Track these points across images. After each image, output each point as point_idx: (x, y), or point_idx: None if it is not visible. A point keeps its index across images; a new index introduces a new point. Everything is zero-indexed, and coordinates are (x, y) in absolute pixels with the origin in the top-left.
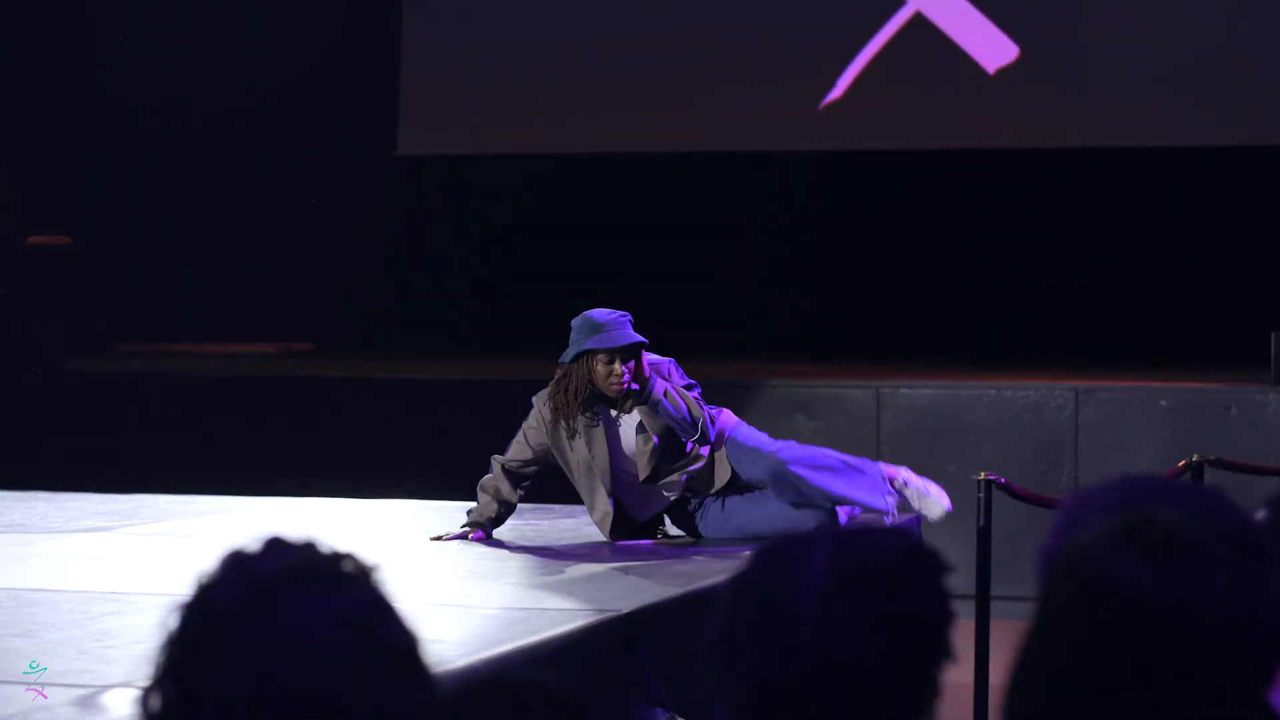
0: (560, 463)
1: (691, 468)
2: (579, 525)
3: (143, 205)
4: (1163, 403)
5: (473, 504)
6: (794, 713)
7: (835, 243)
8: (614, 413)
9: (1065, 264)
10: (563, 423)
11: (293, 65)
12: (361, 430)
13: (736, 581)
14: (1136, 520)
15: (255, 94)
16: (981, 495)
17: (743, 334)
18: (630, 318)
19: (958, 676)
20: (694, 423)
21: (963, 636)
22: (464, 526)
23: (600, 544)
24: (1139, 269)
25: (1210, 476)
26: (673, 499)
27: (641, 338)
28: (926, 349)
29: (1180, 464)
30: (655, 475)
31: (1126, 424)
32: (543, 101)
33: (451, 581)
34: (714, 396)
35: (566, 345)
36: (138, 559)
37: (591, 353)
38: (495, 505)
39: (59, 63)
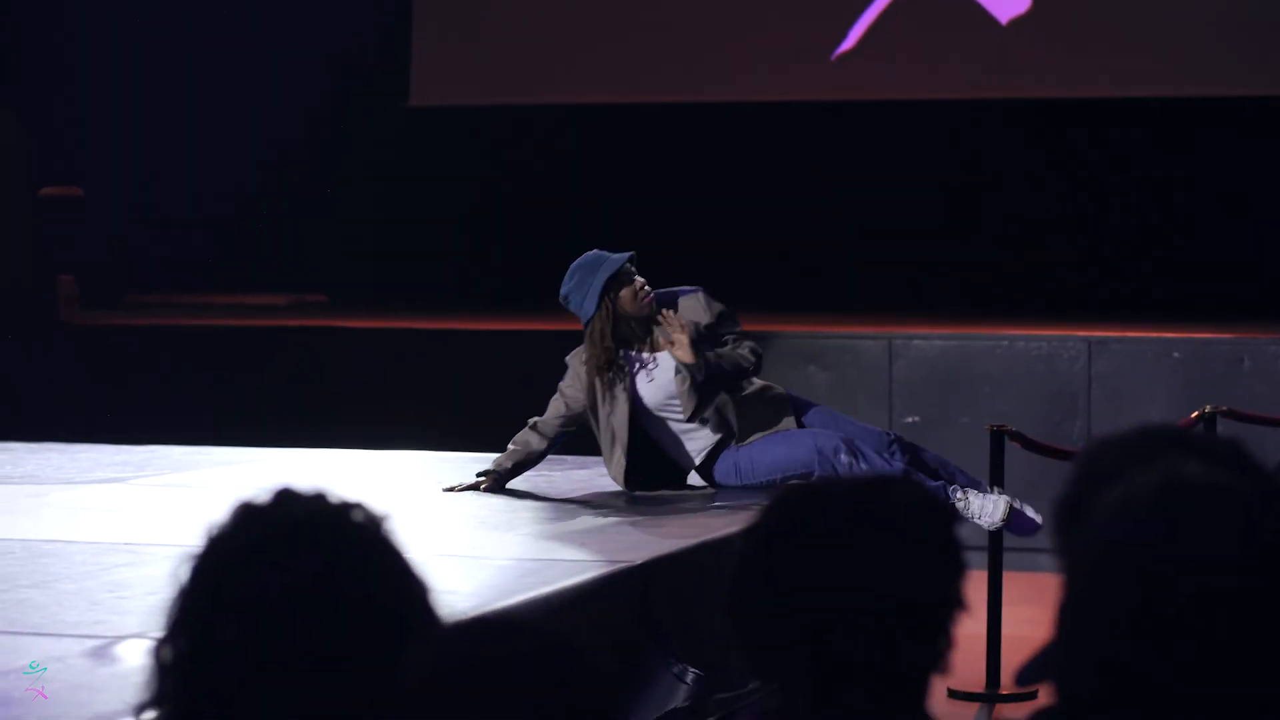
0: (591, 420)
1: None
2: (592, 476)
3: (154, 156)
4: (1175, 354)
5: (497, 455)
6: (809, 663)
7: (847, 193)
8: (645, 354)
9: (1078, 215)
10: (598, 378)
11: (306, 15)
12: (374, 381)
13: (750, 532)
14: (1159, 477)
15: (267, 44)
16: (994, 446)
17: (755, 284)
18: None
19: (970, 627)
20: (743, 370)
21: (974, 587)
22: (478, 476)
23: (613, 494)
24: (1152, 220)
25: (1223, 428)
26: (709, 448)
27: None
28: (939, 300)
29: (1193, 415)
30: (700, 409)
31: (1139, 375)
32: (554, 52)
33: (464, 532)
34: None
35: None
36: (151, 510)
37: (610, 288)
38: (517, 456)
39: (69, 13)
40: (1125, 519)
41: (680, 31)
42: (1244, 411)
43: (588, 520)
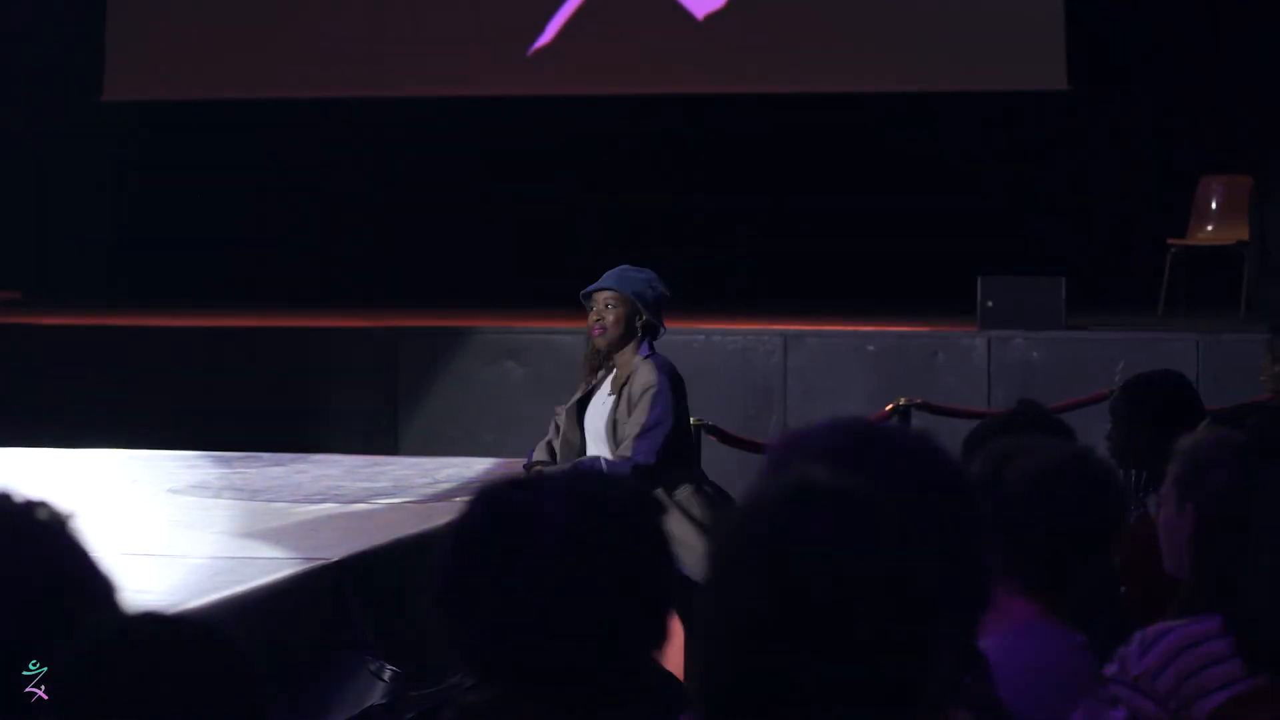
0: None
1: None
2: (288, 474)
3: None
4: (870, 347)
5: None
6: (533, 657)
7: (543, 187)
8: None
9: (774, 209)
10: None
11: None
12: (70, 379)
13: (461, 529)
14: (798, 478)
15: None
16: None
17: (450, 280)
18: (637, 271)
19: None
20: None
21: None
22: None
23: (310, 492)
24: (848, 214)
25: (917, 420)
26: None
27: (614, 285)
28: None
29: (888, 408)
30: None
31: (835, 369)
32: (248, 46)
33: (157, 531)
34: (423, 345)
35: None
36: None
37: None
38: None
39: None
40: (753, 522)
41: (376, 24)
42: (937, 404)
43: (284, 518)
